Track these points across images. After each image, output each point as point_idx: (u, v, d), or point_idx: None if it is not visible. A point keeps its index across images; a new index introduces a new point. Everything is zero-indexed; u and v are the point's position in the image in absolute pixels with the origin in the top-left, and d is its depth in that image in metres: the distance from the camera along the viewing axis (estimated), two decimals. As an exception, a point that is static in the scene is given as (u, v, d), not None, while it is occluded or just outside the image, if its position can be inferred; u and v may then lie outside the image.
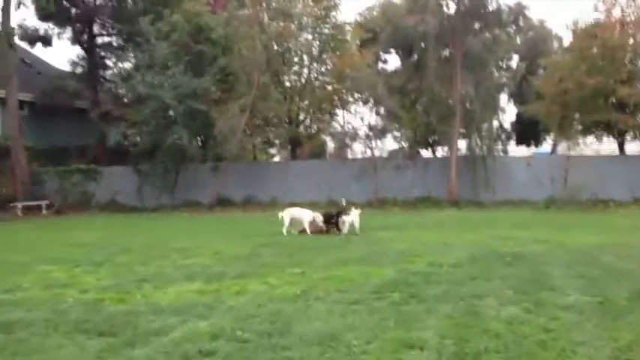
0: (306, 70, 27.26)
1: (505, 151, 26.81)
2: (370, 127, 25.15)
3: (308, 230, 14.40)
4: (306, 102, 27.15)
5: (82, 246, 12.85)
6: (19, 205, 25.04)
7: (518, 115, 32.86)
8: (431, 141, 29.37)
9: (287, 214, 14.62)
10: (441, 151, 28.78)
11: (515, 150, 33.49)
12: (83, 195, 27.93)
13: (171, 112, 24.68)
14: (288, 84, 27.15)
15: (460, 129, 24.65)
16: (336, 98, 27.08)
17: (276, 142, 29.87)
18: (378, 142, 25.94)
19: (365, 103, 25.29)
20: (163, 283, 8.15)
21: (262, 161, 27.87)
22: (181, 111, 23.78)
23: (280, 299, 7.10)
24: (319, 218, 14.53)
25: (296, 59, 26.79)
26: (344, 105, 27.05)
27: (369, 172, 25.25)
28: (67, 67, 32.40)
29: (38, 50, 34.68)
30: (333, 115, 27.69)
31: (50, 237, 15.43)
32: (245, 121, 24.41)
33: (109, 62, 31.80)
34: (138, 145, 26.13)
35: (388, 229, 15.12)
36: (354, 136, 25.47)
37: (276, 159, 35.90)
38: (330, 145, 29.51)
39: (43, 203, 25.91)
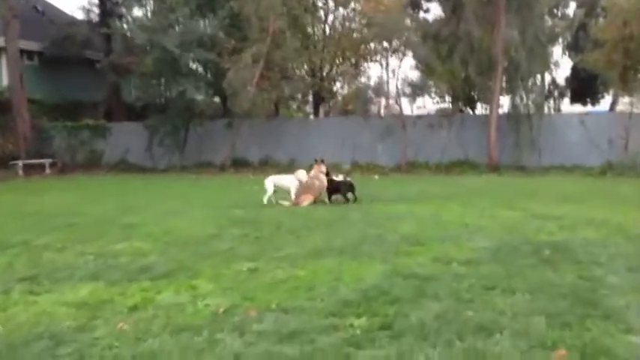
0: (329, 15, 24.29)
1: (557, 110, 23.51)
2: (400, 80, 22.08)
3: (293, 198, 12.02)
4: (329, 52, 24.21)
5: (29, 216, 10.75)
6: (20, 163, 23.37)
7: (574, 69, 29.10)
8: (469, 97, 26.07)
9: (268, 182, 12.29)
10: (480, 108, 25.57)
11: (569, 109, 29.86)
12: (92, 153, 26.15)
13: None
14: (309, 30, 24.22)
15: (503, 83, 21.45)
16: (362, 47, 24.06)
17: (297, 97, 27.15)
18: (409, 97, 22.93)
19: (394, 52, 22.19)
20: (48, 286, 5.84)
21: (280, 118, 25.25)
22: (186, 60, 21.32)
23: (184, 325, 4.67)
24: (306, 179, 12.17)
25: (318, 2, 23.81)
26: (371, 55, 24.02)
27: (398, 131, 22.43)
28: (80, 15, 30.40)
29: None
30: (359, 66, 24.72)
31: (11, 202, 13.41)
32: (258, 72, 21.76)
33: (123, 9, 29.51)
34: (144, 99, 23.87)
35: (403, 202, 12.45)
36: (382, 91, 22.51)
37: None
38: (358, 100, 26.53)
39: (46, 162, 24.18)
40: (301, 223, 9.57)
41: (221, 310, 5.00)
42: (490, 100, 21.54)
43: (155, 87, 22.88)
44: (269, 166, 23.91)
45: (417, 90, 24.37)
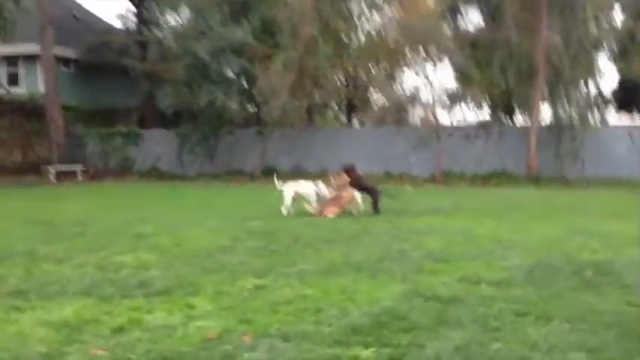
0: (364, 21, 23.72)
1: (603, 122, 22.31)
2: (435, 89, 21.35)
3: (313, 210, 11.41)
4: (363, 59, 23.63)
5: (41, 223, 10.41)
6: (52, 169, 23.42)
7: (620, 79, 27.77)
8: (508, 106, 25.08)
9: (287, 191, 11.62)
10: (519, 119, 24.59)
11: (615, 120, 28.48)
12: (124, 160, 26.11)
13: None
14: (342, 37, 23.70)
15: (544, 91, 20.51)
16: (397, 55, 23.41)
17: (333, 105, 26.62)
18: (445, 106, 22.16)
19: (429, 59, 21.45)
20: (35, 302, 5.36)
21: (312, 127, 24.75)
22: (215, 67, 21.04)
23: (168, 353, 4.10)
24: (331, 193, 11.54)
25: (353, 7, 23.25)
26: (406, 63, 23.34)
27: (432, 141, 21.67)
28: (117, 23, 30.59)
29: (92, 3, 33.22)
30: (393, 75, 24.06)
31: (29, 208, 13.18)
32: (291, 80, 21.33)
33: (159, 16, 29.53)
34: (175, 106, 23.69)
35: (434, 214, 11.74)
36: (416, 100, 21.80)
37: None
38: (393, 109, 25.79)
39: (78, 168, 24.21)
40: (322, 235, 8.98)
41: (213, 335, 4.44)
42: (530, 109, 20.61)
43: (186, 94, 22.64)
44: (300, 175, 23.41)
45: (454, 99, 23.46)
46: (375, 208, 11.70)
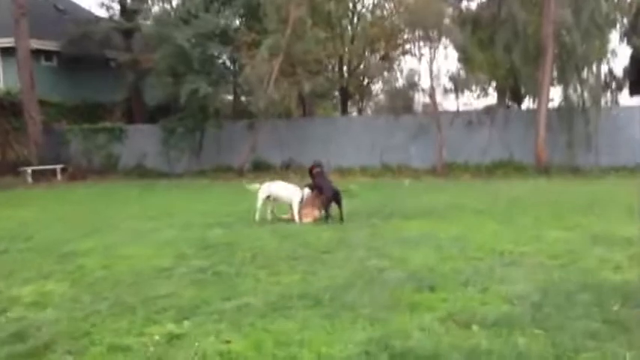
0: (358, 3, 22.06)
1: (615, 103, 20.65)
2: (435, 72, 19.70)
3: (296, 216, 9.85)
4: (357, 43, 21.98)
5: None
6: (29, 169, 22.02)
7: (633, 58, 25.91)
8: (513, 89, 23.32)
9: (263, 191, 10.11)
10: (527, 103, 22.86)
11: (629, 102, 26.70)
12: (108, 158, 24.66)
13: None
14: (334, 20, 22.03)
15: (553, 72, 18.80)
16: (393, 37, 21.76)
17: (329, 95, 24.98)
18: (445, 91, 20.52)
19: (427, 40, 19.75)
20: None
21: (304, 118, 23.16)
22: (197, 55, 19.49)
23: None
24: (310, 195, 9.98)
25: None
26: (403, 46, 21.69)
27: (432, 129, 20.05)
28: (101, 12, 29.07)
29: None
30: (389, 59, 22.39)
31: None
32: (277, 67, 19.75)
33: (144, 5, 27.97)
34: (159, 99, 22.19)
35: (427, 217, 10.17)
36: (414, 85, 20.15)
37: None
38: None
39: (58, 167, 22.80)
40: (287, 248, 7.48)
41: None
42: (538, 92, 18.88)
43: (168, 86, 21.09)
44: (292, 169, 21.96)
45: (455, 83, 21.78)
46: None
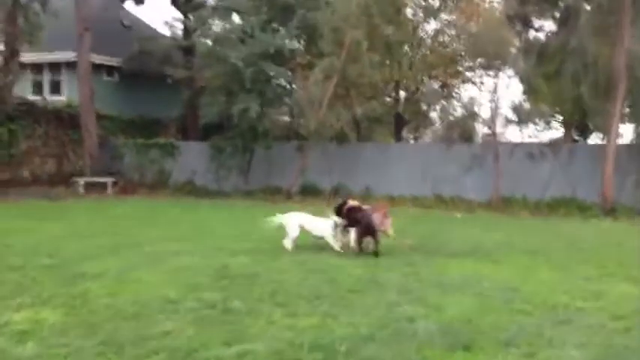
0: (419, 28, 21.38)
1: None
2: (495, 102, 18.73)
3: (336, 246, 9.16)
4: (416, 69, 21.25)
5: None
6: (81, 181, 22.25)
7: None
8: (580, 124, 21.98)
9: (292, 222, 9.42)
10: (593, 138, 21.47)
11: None
12: (160, 173, 24.70)
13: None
14: (395, 46, 21.37)
15: (624, 107, 17.52)
16: (454, 65, 20.93)
17: (384, 120, 24.25)
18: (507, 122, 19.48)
19: (489, 69, 18.84)
20: None
21: (355, 142, 22.48)
22: (250, 75, 19.23)
23: None
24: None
25: (406, 13, 20.96)
26: (463, 74, 20.81)
27: (489, 161, 19.01)
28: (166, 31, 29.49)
29: (145, 11, 32.52)
30: (447, 85, 21.54)
31: (7, 227, 11.60)
32: (331, 89, 19.25)
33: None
34: (211, 117, 22.03)
35: (475, 256, 9.25)
36: (474, 115, 19.21)
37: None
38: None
39: (109, 181, 22.94)
40: (311, 286, 6.79)
41: None
42: (607, 127, 17.59)
43: (221, 104, 20.92)
44: (341, 194, 21.31)
45: (519, 115, 20.71)
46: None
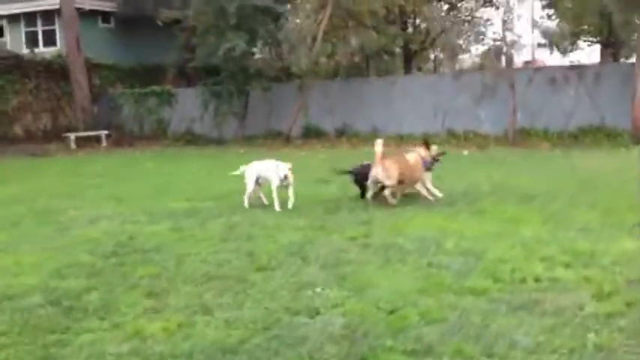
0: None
1: None
2: (509, 19, 16.52)
3: (276, 200, 7.72)
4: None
5: None
6: (72, 136, 21.15)
7: None
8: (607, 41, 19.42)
9: (248, 173, 8.01)
10: (622, 56, 19.01)
11: None
12: (159, 123, 23.45)
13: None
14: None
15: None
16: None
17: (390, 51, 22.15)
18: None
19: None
20: None
21: (359, 78, 20.56)
22: (234, 10, 17.43)
23: None
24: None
25: None
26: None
27: (503, 90, 17.00)
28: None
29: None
30: (456, 8, 19.25)
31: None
32: (325, 20, 17.34)
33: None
34: (202, 60, 20.35)
35: (450, 207, 7.62)
36: (479, 37, 17.10)
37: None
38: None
39: (103, 134, 21.81)
40: (216, 262, 5.36)
41: None
42: (637, 43, 15.28)
43: (211, 45, 19.23)
44: (347, 136, 19.75)
45: (546, 34, 18.42)
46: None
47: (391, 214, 7.25)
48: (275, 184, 7.73)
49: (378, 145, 7.79)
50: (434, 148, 8.49)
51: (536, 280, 4.60)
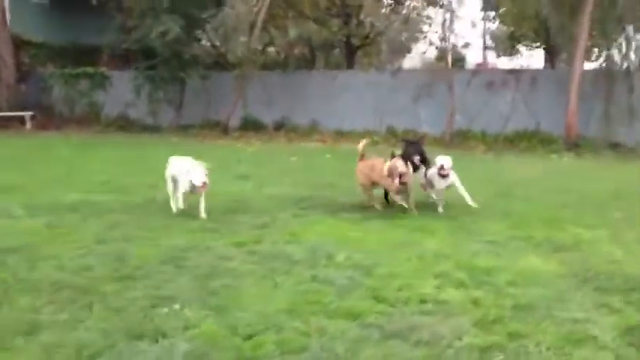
0: None
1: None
2: (447, 19, 16.31)
3: (176, 203, 7.02)
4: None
5: None
6: (-7, 116, 19.92)
7: None
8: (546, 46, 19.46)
9: (168, 171, 7.14)
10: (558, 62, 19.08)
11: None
12: (91, 106, 22.35)
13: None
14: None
15: (592, 26, 15.13)
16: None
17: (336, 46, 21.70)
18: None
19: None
20: None
21: (299, 72, 20.04)
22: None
23: None
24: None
25: None
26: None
27: (443, 90, 16.78)
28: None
29: None
30: (399, 4, 18.94)
31: None
32: (265, 9, 16.72)
33: None
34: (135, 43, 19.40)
35: (358, 212, 7.23)
36: (416, 34, 16.83)
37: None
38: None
39: (27, 115, 20.61)
40: (75, 267, 4.76)
41: None
42: (572, 49, 15.26)
43: (146, 27, 18.30)
44: (285, 129, 19.25)
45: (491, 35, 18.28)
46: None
47: (296, 217, 6.78)
48: (181, 190, 6.90)
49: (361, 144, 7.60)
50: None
51: (422, 301, 4.19)
